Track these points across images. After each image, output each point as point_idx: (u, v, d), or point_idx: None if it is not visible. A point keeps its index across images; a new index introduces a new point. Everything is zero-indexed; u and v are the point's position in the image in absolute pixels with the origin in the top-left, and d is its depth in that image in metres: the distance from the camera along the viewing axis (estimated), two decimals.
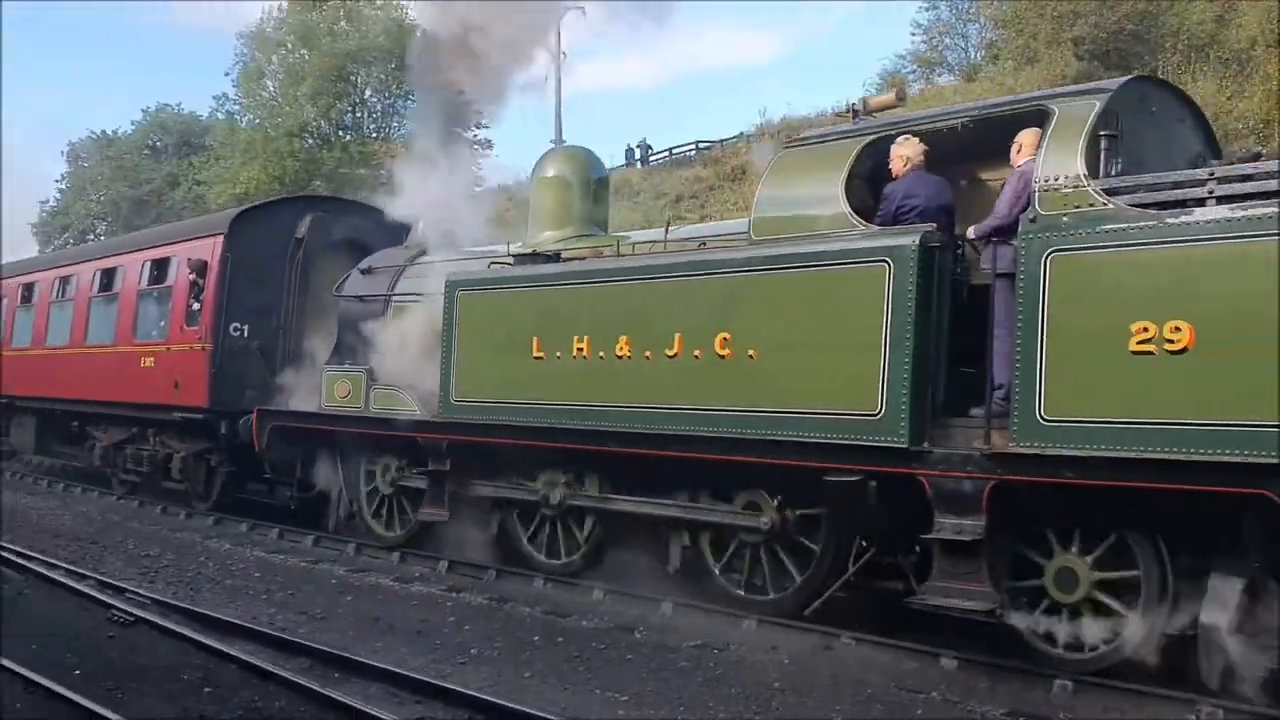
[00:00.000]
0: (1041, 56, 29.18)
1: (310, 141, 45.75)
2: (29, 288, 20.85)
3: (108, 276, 17.93)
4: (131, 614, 8.96)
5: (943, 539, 7.38)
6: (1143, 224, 6.65)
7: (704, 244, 9.75)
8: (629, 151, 43.87)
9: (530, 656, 8.15)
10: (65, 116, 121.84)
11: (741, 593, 9.33)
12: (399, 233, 13.25)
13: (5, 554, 11.46)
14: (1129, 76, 8.45)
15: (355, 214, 15.04)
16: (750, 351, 8.39)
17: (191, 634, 8.30)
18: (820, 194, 8.48)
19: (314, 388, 13.01)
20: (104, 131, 58.85)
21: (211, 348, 14.70)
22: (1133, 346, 6.54)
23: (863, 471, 7.82)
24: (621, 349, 9.28)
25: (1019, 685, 7.48)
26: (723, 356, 8.53)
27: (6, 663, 7.30)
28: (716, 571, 9.52)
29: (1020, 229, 7.18)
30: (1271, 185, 6.36)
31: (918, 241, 7.53)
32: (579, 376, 9.64)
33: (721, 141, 39.76)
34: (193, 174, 50.03)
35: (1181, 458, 6.34)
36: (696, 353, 8.72)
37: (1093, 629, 7.23)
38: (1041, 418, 6.92)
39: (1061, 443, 6.83)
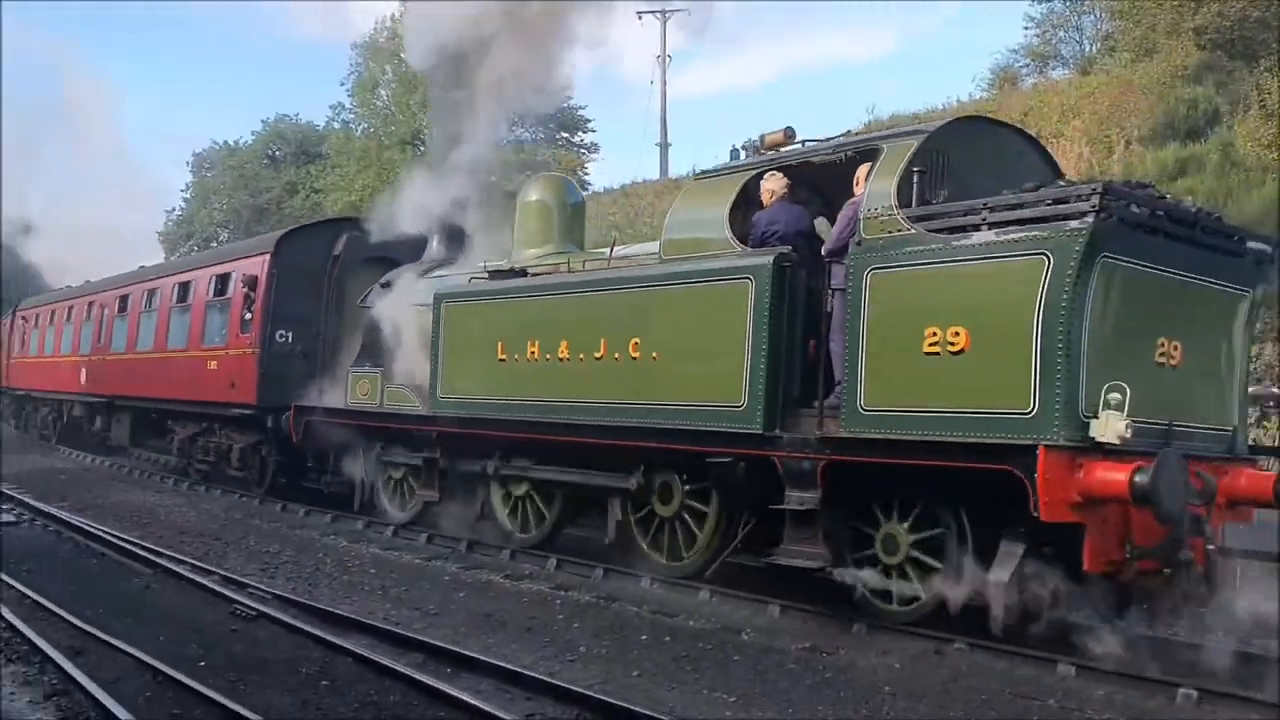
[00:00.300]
0: (1161, 47, 28.16)
1: (423, 149, 46.72)
2: (124, 299, 23.17)
3: (183, 289, 20.16)
4: (253, 608, 9.27)
5: (790, 509, 8.77)
6: (933, 246, 7.91)
7: (636, 262, 11.03)
8: (734, 152, 43.70)
9: (638, 655, 8.17)
10: (188, 127, 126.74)
11: (663, 560, 10.69)
12: (422, 249, 14.98)
13: (136, 549, 11.97)
14: (948, 120, 10.16)
15: (389, 233, 15.75)
16: (654, 354, 9.88)
17: (310, 628, 8.54)
18: (711, 220, 9.92)
19: (344, 387, 14.80)
20: (226, 142, 60.97)
21: (260, 352, 16.58)
22: (925, 348, 7.82)
23: (733, 454, 9.25)
24: (563, 352, 10.85)
25: (1139, 694, 7.25)
26: (635, 359, 10.06)
27: (137, 653, 7.62)
28: (643, 543, 10.95)
29: (849, 251, 8.45)
30: (1028, 214, 7.51)
31: (772, 261, 8.89)
32: (531, 376, 11.28)
33: (829, 139, 39.29)
34: (310, 182, 51.46)
35: (958, 440, 7.61)
36: (616, 355, 10.23)
37: (912, 587, 8.54)
38: (862, 408, 8.24)
39: (876, 428, 8.14)
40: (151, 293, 21.77)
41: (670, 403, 9.75)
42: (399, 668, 7.33)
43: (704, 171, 11.24)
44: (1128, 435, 7.15)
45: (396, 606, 9.76)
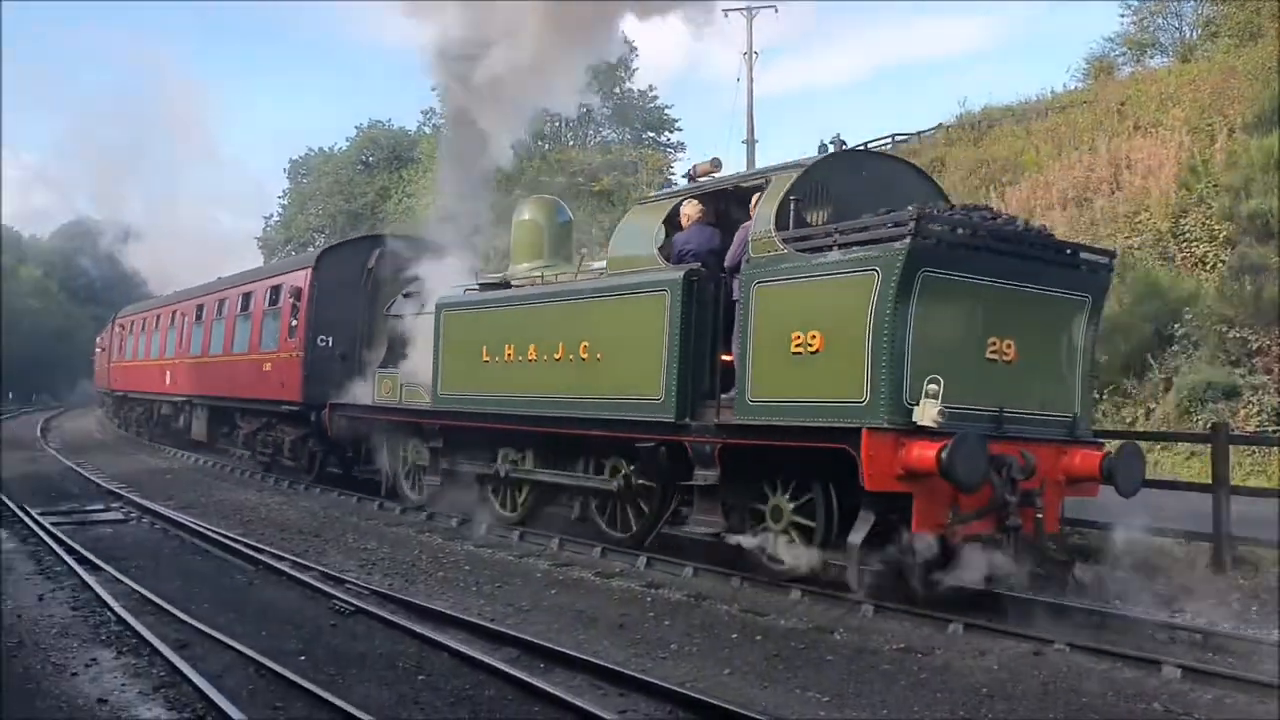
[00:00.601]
0: (1266, 30, 27.15)
1: (512, 152, 47.23)
2: (200, 308, 25.58)
3: (245, 299, 22.29)
4: (351, 604, 9.45)
5: (697, 485, 10.46)
6: (799, 263, 9.32)
7: (593, 275, 12.37)
8: (822, 148, 43.32)
9: (729, 654, 8.14)
10: (285, 134, 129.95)
11: (617, 533, 12.29)
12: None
13: (239, 546, 12.30)
14: (828, 154, 11.71)
15: (414, 248, 17.23)
16: (598, 355, 11.47)
17: (406, 623, 8.69)
18: (643, 240, 11.47)
19: (372, 385, 16.53)
20: (321, 148, 62.38)
21: (304, 355, 18.62)
22: (792, 349, 9.22)
23: (655, 440, 10.80)
24: (531, 354, 12.48)
25: (1248, 698, 7.01)
26: (584, 359, 11.64)
27: (241, 647, 7.83)
28: (600, 520, 12.53)
29: (742, 267, 9.85)
30: (864, 236, 8.90)
31: (683, 276, 10.46)
32: (508, 376, 12.90)
33: (919, 134, 38.75)
34: (403, 187, 52.37)
35: (813, 425, 9.08)
36: (570, 356, 11.83)
37: (793, 549, 9.85)
38: (749, 400, 9.70)
39: (758, 416, 9.61)
40: (221, 302, 23.94)
41: (610, 397, 11.32)
42: (494, 663, 7.41)
43: (642, 198, 13.06)
44: (941, 420, 8.38)
45: (490, 603, 9.87)
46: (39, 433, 34.99)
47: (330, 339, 18.57)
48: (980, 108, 38.02)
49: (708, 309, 10.45)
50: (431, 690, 7.04)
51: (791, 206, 9.70)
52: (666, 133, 55.01)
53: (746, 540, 10.31)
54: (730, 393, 10.02)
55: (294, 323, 19.31)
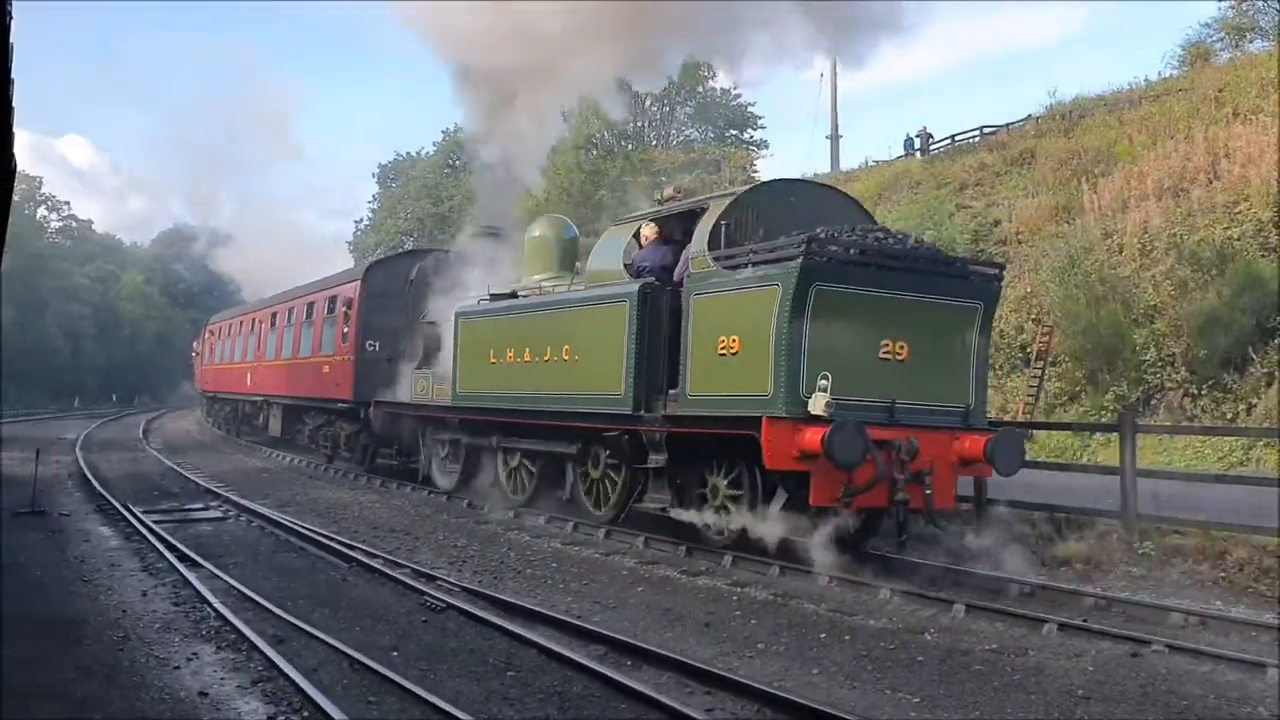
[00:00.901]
0: None
1: (595, 153, 47.43)
2: (273, 315, 28.27)
3: (310, 308, 24.72)
4: (442, 600, 9.60)
5: (650, 467, 12.25)
6: (725, 278, 10.94)
7: (587, 287, 13.77)
8: (908, 141, 42.74)
9: (817, 653, 8.09)
10: (374, 139, 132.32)
11: (598, 512, 13.88)
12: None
13: (332, 544, 12.56)
14: (755, 184, 13.94)
15: (450, 262, 18.90)
16: (577, 356, 13.21)
17: (496, 620, 8.79)
18: (613, 256, 13.31)
19: (409, 385, 18.46)
20: (409, 153, 63.42)
21: (354, 358, 20.92)
22: (719, 351, 10.88)
23: (618, 429, 12.59)
24: (526, 356, 14.27)
25: None
26: (565, 360, 13.43)
27: (335, 643, 7.99)
28: (585, 499, 14.23)
29: (684, 281, 11.58)
30: (770, 256, 10.49)
31: (638, 289, 12.15)
32: (508, 375, 14.77)
33: (1008, 125, 38.10)
34: None
35: (731, 415, 10.76)
36: (556, 358, 13.60)
37: (726, 521, 11.62)
38: (688, 394, 11.35)
39: (695, 408, 11.27)
40: (290, 310, 26.71)
41: (585, 393, 13.03)
42: (581, 660, 7.47)
43: (619, 219, 14.91)
44: (828, 411, 9.85)
45: (577, 600, 9.94)
46: (141, 434, 36.16)
47: (377, 343, 20.70)
48: (1071, 98, 37.20)
49: (660, 317, 12.07)
50: (521, 686, 7.11)
51: (722, 229, 11.30)
52: (749, 130, 54.80)
53: (687, 515, 12.05)
54: (677, 388, 11.66)
55: (346, 329, 21.75)
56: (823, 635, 8.63)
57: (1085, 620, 8.79)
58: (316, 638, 8.21)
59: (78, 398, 64.33)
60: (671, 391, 11.75)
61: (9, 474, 19.58)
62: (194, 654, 7.88)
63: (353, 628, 8.70)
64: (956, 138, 40.43)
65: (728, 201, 11.69)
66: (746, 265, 10.70)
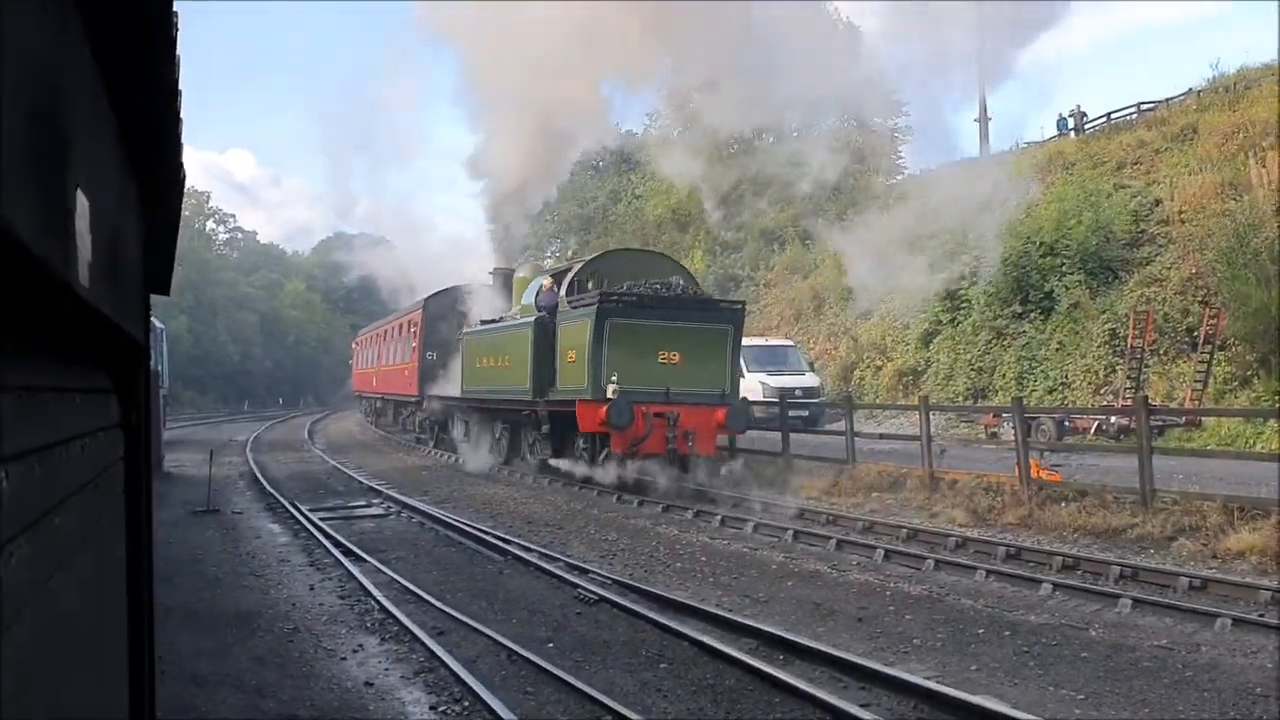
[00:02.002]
0: None
1: (735, 148, 47.24)
2: (385, 332, 36.63)
3: (399, 328, 33.30)
4: (594, 593, 9.73)
5: (541, 433, 19.67)
6: (571, 314, 17.68)
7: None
8: (1061, 121, 41.19)
9: (975, 649, 7.89)
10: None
11: (532, 459, 21.07)
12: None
13: (489, 538, 12.87)
14: (602, 252, 21.89)
15: (480, 293, 26.32)
16: (508, 363, 20.15)
17: (647, 612, 8.87)
18: (530, 296, 20.59)
19: (454, 383, 25.33)
20: None
21: (418, 364, 29.27)
22: (568, 360, 17.61)
23: (529, 410, 19.76)
24: (490, 363, 21.40)
25: None
26: (505, 366, 20.28)
27: (493, 634, 8.20)
28: (530, 455, 21.27)
29: (556, 317, 18.57)
30: (586, 300, 17.46)
31: (534, 320, 19.10)
32: (485, 375, 21.85)
33: (1168, 100, 36.32)
34: (631, 189, 53.38)
35: (568, 398, 17.65)
36: (500, 364, 20.54)
37: (578, 466, 18.39)
38: (558, 387, 18.19)
39: (559, 395, 18.06)
40: (390, 329, 35.43)
41: (511, 387, 20.13)
42: (733, 653, 7.47)
43: (548, 271, 22.17)
44: (614, 395, 16.48)
45: (727, 593, 9.94)
46: (306, 435, 37.78)
47: (434, 354, 28.40)
48: (1236, 69, 35.22)
49: (546, 339, 18.79)
50: (673, 678, 7.16)
51: (575, 283, 18.76)
52: (893, 117, 53.72)
53: (558, 462, 19.25)
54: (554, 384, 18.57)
55: (413, 344, 30.10)
56: (981, 631, 8.42)
57: (1261, 615, 8.33)
58: (475, 629, 8.43)
59: (247, 401, 67.63)
60: (553, 386, 18.58)
61: (187, 475, 20.72)
62: (359, 645, 8.19)
63: (509, 619, 8.91)
64: (1113, 115, 38.77)
65: (580, 265, 19.70)
66: (579, 307, 17.55)
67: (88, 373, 1.85)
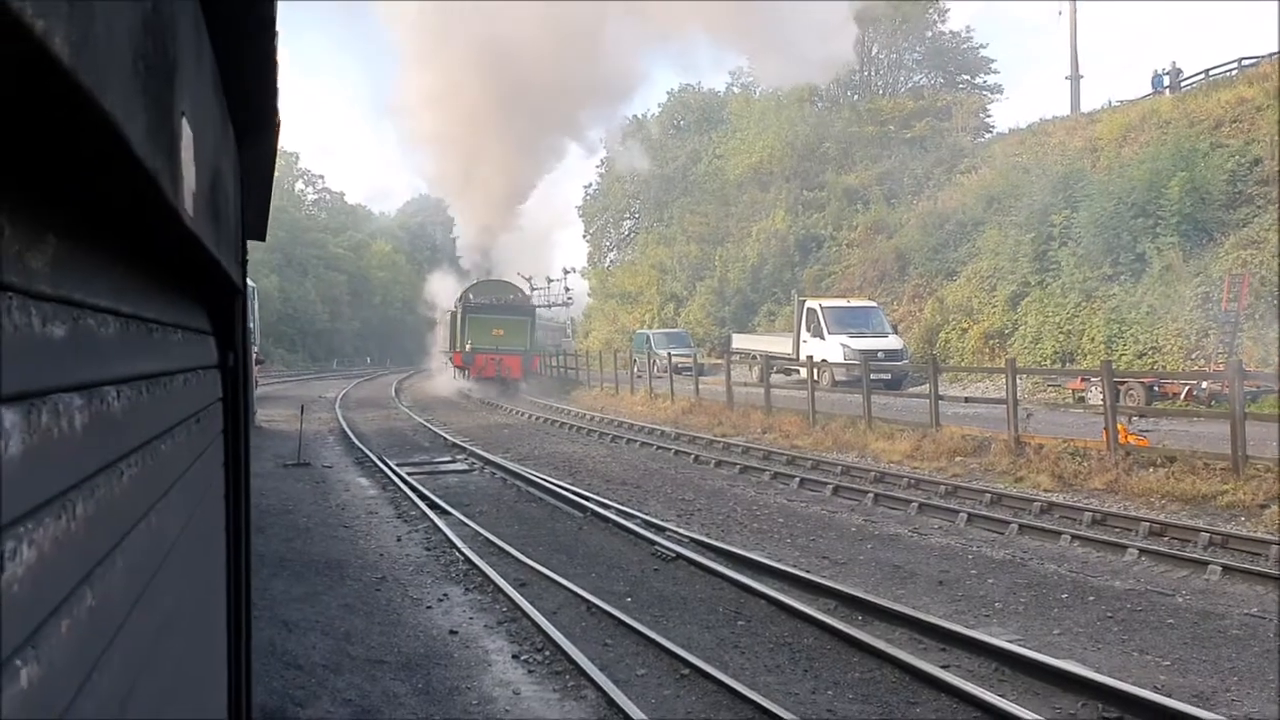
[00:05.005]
0: None
1: (820, 105, 46.61)
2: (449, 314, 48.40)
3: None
4: (672, 550, 9.80)
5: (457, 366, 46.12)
6: (457, 311, 43.67)
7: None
8: (1156, 78, 39.82)
9: (1058, 613, 7.79)
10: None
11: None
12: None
13: (569, 494, 13.03)
14: (476, 283, 46.53)
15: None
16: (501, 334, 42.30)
17: (725, 570, 8.91)
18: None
19: None
20: (635, 116, 64.16)
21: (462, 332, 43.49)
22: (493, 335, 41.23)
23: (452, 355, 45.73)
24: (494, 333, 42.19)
25: None
26: (500, 334, 41.47)
27: (573, 587, 8.32)
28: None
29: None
30: (455, 303, 45.07)
31: (450, 313, 47.16)
32: (483, 340, 41.77)
33: (1271, 55, 34.79)
34: (712, 149, 52.99)
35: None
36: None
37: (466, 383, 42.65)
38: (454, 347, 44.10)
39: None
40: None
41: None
42: (812, 612, 7.48)
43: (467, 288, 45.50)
44: (469, 349, 40.82)
45: (805, 554, 9.94)
46: (393, 392, 38.52)
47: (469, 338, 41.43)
48: None
49: (456, 323, 42.74)
50: (750, 636, 7.20)
51: (464, 296, 42.49)
52: (982, 75, 52.44)
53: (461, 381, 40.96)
54: None
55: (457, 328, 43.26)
56: (1064, 595, 8.30)
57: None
58: (556, 582, 8.57)
59: (336, 360, 69.04)
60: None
61: (278, 429, 21.27)
62: (444, 595, 8.38)
63: (589, 574, 9.03)
64: (1211, 72, 37.33)
65: (469, 288, 43.38)
66: (460, 309, 41.21)
67: (189, 310, 1.92)
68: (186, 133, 1.16)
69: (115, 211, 1.05)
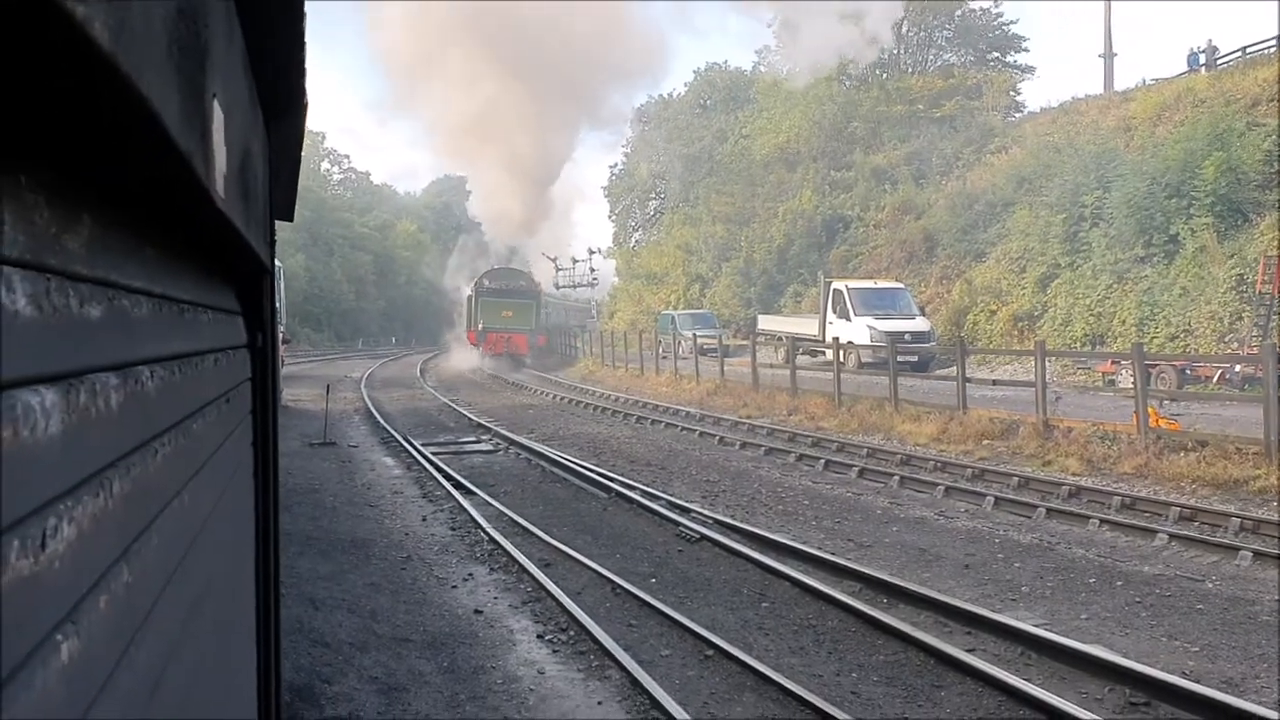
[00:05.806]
0: None
1: (848, 83, 46.24)
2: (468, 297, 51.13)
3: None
4: (696, 531, 9.82)
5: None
6: (471, 295, 48.84)
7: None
8: (1192, 57, 39.30)
9: (1086, 598, 7.76)
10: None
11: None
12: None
13: (594, 475, 13.06)
14: (490, 269, 50.93)
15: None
16: (511, 315, 46.84)
17: (749, 552, 8.92)
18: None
19: None
20: (662, 95, 63.95)
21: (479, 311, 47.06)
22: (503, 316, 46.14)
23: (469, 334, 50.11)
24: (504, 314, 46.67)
25: None
26: (509, 316, 45.85)
27: (598, 568, 8.36)
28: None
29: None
30: (471, 290, 49.12)
31: (467, 298, 51.41)
32: (495, 320, 46.18)
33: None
34: (738, 128, 52.73)
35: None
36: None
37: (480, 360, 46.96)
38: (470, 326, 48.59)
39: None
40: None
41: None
42: (836, 595, 7.48)
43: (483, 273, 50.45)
44: (481, 328, 45.73)
45: (830, 537, 9.93)
46: (418, 372, 38.73)
47: (482, 320, 44.70)
48: None
49: (471, 306, 47.53)
50: (775, 618, 7.21)
51: (479, 282, 46.91)
52: (1013, 53, 51.87)
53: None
54: None
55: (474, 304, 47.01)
56: (1092, 580, 8.26)
57: None
58: (581, 562, 8.61)
59: (361, 339, 69.42)
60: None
61: (304, 409, 21.41)
62: (469, 574, 8.44)
63: (613, 554, 9.06)
64: (1248, 49, 36.78)
65: (484, 273, 47.73)
66: (472, 292, 46.16)
67: (219, 290, 1.93)
68: (218, 115, 1.17)
69: (147, 193, 1.06)
